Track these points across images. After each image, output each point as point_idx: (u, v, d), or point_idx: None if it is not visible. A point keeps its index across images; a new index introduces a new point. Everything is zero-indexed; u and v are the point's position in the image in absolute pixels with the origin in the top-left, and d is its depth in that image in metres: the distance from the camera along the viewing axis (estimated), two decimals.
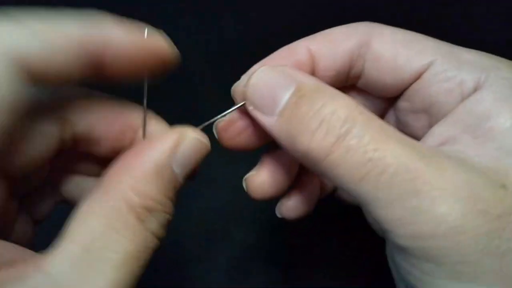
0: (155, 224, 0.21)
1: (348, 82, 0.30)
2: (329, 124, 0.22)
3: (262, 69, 0.25)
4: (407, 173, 0.20)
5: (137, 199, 0.21)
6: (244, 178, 0.30)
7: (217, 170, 0.49)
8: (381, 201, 0.21)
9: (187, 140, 0.25)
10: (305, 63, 0.28)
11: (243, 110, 0.27)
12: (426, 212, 0.20)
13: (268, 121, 0.24)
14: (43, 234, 0.42)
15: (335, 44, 0.29)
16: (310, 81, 0.24)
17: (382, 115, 0.33)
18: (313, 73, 0.28)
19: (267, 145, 0.33)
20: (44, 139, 0.24)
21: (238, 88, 0.29)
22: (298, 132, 0.23)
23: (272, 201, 0.35)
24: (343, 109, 0.22)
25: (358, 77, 0.30)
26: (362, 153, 0.21)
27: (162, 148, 0.23)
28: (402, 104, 0.30)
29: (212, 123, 0.29)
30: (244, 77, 0.28)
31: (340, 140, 0.21)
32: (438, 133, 0.25)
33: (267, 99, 0.24)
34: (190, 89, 0.54)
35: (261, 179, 0.31)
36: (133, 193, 0.21)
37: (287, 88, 0.24)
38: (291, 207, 0.32)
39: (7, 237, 0.24)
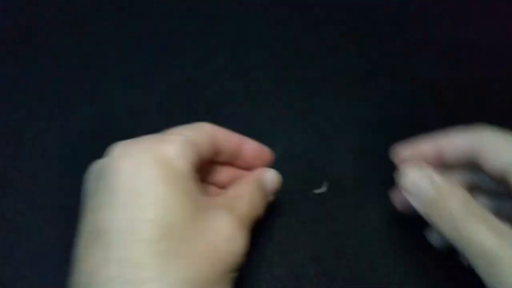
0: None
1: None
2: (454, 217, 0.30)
3: (410, 170, 0.34)
4: None
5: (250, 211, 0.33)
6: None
7: None
8: None
9: (270, 172, 0.37)
10: (434, 156, 0.36)
11: None
12: None
13: (417, 206, 0.33)
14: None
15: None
16: (441, 182, 0.32)
17: None
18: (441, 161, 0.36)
19: None
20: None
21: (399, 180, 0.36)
22: (435, 219, 0.31)
23: None
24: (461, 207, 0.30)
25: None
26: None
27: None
28: None
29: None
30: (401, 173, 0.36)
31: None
32: None
33: (415, 191, 0.33)
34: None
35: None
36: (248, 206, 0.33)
37: (427, 188, 0.32)
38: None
39: None
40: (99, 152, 0.49)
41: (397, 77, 0.51)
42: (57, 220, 0.42)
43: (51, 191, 0.43)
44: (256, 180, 0.35)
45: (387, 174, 0.43)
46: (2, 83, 0.52)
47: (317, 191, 0.42)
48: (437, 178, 0.32)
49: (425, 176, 0.32)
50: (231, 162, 0.37)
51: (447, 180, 0.32)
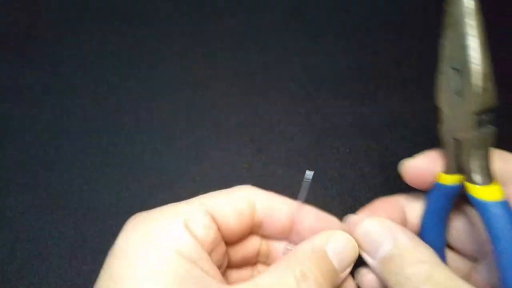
0: None
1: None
2: (412, 282, 0.26)
3: (369, 221, 0.30)
4: None
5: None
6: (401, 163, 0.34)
7: None
8: None
9: (339, 236, 0.30)
10: (398, 216, 0.33)
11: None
12: None
13: (371, 262, 0.29)
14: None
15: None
16: (405, 238, 0.28)
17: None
18: (404, 222, 0.34)
19: None
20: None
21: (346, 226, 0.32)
22: (390, 280, 0.27)
23: None
24: (425, 271, 0.26)
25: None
26: None
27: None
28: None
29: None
30: (349, 219, 0.32)
31: None
32: None
33: (371, 246, 0.29)
34: None
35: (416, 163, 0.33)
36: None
37: (387, 242, 0.28)
38: None
39: None
40: (99, 151, 0.49)
41: (397, 77, 0.51)
42: (57, 220, 0.42)
43: (52, 191, 0.43)
44: (309, 258, 0.27)
45: (387, 174, 0.43)
46: (3, 83, 0.52)
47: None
48: (401, 235, 0.28)
49: (387, 230, 0.29)
50: (281, 237, 0.32)
51: (412, 237, 0.28)
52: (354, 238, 0.29)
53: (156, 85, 0.51)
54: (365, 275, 0.30)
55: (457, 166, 0.30)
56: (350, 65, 0.52)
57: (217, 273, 0.26)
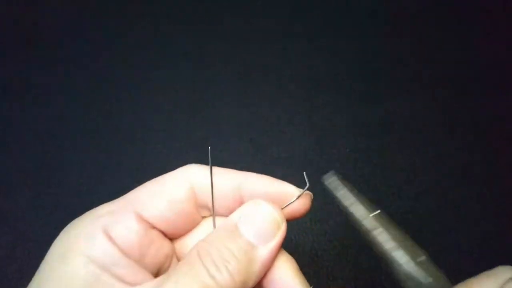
0: None
1: None
2: None
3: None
4: None
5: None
6: None
7: None
8: None
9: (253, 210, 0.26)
10: None
11: None
12: None
13: None
14: None
15: None
16: None
17: None
18: None
19: None
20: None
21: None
22: None
23: None
24: None
25: None
26: None
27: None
28: None
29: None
30: None
31: None
32: None
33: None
34: None
35: None
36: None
37: None
38: None
39: None
40: (99, 151, 0.49)
41: (397, 77, 0.51)
42: (57, 220, 0.42)
43: (52, 191, 0.43)
44: (220, 238, 0.24)
45: (387, 174, 0.43)
46: (4, 83, 0.52)
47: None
48: None
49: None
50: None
51: None
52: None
53: (156, 85, 0.51)
54: None
55: None
56: (350, 65, 0.52)
57: (143, 276, 0.24)
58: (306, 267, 0.39)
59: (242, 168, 0.46)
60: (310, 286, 0.26)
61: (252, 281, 0.24)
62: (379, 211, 0.28)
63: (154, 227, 0.26)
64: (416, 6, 0.58)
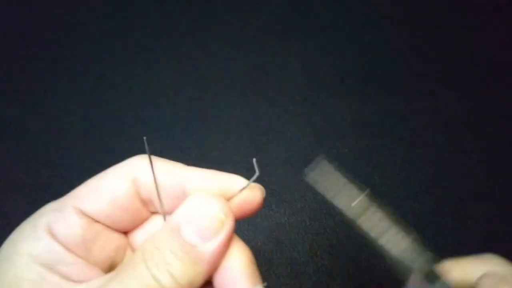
0: None
1: None
2: None
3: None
4: None
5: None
6: None
7: None
8: None
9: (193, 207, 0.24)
10: None
11: None
12: None
13: None
14: None
15: None
16: None
17: None
18: None
19: None
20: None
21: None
22: None
23: None
24: None
25: None
26: None
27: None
28: None
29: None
30: None
31: None
32: None
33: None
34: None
35: None
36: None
37: None
38: None
39: None
40: (99, 151, 0.49)
41: (397, 78, 0.51)
42: None
43: (52, 191, 0.43)
44: (163, 240, 0.23)
45: (387, 174, 0.43)
46: (4, 83, 0.52)
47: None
48: None
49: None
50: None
51: None
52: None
53: (156, 86, 0.51)
54: None
55: None
56: (350, 66, 0.52)
57: (91, 273, 0.24)
58: (305, 266, 0.40)
59: (242, 168, 0.46)
60: (264, 283, 0.24)
61: (200, 281, 0.23)
62: (366, 191, 0.27)
63: (97, 221, 0.25)
64: (416, 6, 0.58)
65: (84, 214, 0.25)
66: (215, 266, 0.24)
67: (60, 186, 0.44)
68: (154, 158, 0.27)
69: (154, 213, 0.27)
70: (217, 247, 0.23)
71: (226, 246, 0.24)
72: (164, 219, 0.26)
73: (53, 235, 0.24)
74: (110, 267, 0.26)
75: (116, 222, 0.26)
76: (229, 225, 0.24)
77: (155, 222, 0.27)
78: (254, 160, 0.24)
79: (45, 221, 0.25)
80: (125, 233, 0.27)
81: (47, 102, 0.50)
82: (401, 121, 0.47)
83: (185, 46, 0.55)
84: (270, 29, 0.56)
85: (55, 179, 0.44)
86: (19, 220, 0.45)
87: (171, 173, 0.26)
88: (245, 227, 0.43)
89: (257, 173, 0.25)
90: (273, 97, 0.50)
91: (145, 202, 0.26)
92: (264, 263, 0.39)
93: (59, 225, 0.24)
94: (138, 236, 0.27)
